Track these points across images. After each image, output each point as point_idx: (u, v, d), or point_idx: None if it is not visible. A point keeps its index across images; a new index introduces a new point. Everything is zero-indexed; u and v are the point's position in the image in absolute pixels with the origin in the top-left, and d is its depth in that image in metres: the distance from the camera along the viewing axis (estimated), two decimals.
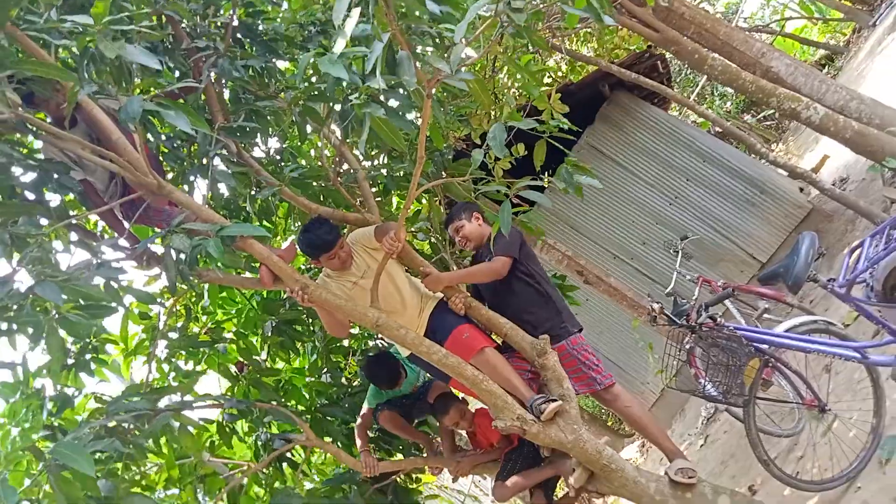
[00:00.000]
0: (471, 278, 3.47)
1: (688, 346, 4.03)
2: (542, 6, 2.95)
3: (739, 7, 18.56)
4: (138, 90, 3.15)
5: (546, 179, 2.99)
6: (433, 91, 2.32)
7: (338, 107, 2.90)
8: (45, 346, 2.61)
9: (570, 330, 3.30)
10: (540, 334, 3.19)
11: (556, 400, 2.98)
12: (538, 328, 3.24)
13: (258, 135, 3.18)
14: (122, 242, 3.33)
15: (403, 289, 3.31)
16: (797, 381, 3.35)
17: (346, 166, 3.84)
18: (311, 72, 3.03)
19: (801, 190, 7.42)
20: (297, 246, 3.26)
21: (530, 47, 7.19)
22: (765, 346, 3.17)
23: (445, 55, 2.32)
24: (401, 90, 2.64)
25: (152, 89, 3.43)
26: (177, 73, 3.27)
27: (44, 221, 2.85)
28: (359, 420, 3.84)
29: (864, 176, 7.21)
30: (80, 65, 2.25)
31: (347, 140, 3.43)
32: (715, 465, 5.24)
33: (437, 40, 3.24)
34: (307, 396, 4.47)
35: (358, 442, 3.78)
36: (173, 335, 4.05)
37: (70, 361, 3.57)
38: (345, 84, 2.50)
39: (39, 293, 2.31)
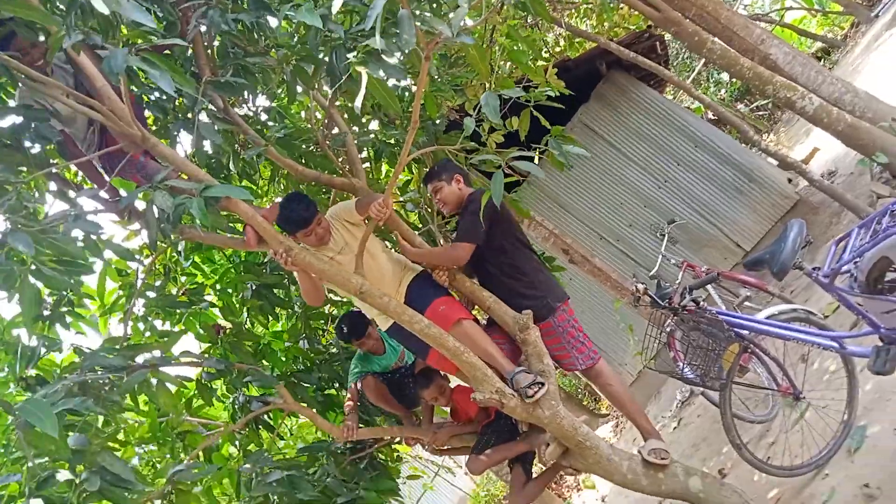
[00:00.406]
0: (430, 259, 3.32)
1: (668, 329, 4.06)
2: None
3: None
4: (122, 43, 3.03)
5: (537, 153, 2.94)
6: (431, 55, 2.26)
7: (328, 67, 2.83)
8: (18, 298, 2.55)
9: (553, 306, 3.22)
10: (530, 311, 3.15)
11: (542, 384, 2.95)
12: (520, 308, 3.17)
13: (245, 92, 3.09)
14: (103, 195, 3.25)
15: (381, 259, 3.27)
16: (774, 369, 3.39)
17: (335, 130, 3.77)
18: (302, 31, 2.94)
19: (790, 181, 7.45)
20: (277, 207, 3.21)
21: (529, 20, 7.08)
22: (745, 332, 3.19)
23: (446, 17, 2.26)
24: (397, 54, 2.58)
25: (139, 40, 3.32)
26: (164, 23, 3.16)
27: (22, 170, 2.76)
28: (352, 383, 3.82)
29: (852, 170, 7.24)
30: (68, 13, 2.15)
31: (337, 103, 3.36)
32: (686, 448, 5.32)
33: (435, 5, 3.17)
34: (284, 360, 4.45)
35: (347, 404, 3.76)
36: (151, 294, 3.99)
37: (46, 313, 3.50)
38: (335, 38, 2.43)
39: (10, 243, 2.24)
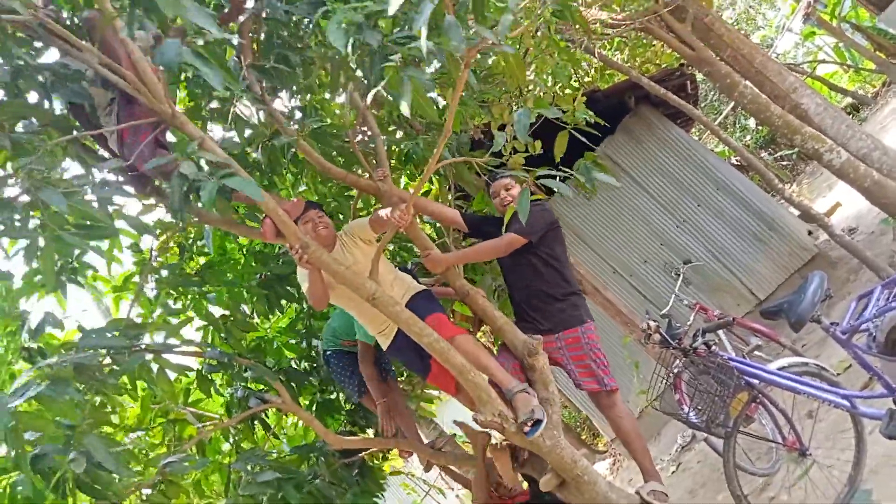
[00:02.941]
0: (473, 256, 3.43)
1: (676, 370, 4.00)
2: None
3: (774, 43, 18.47)
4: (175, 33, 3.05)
5: (565, 173, 2.93)
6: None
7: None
8: (39, 264, 2.53)
9: (583, 318, 3.27)
10: (552, 322, 3.19)
11: (541, 421, 2.89)
12: (552, 312, 3.23)
13: (284, 82, 3.09)
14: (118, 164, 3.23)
15: (385, 277, 3.25)
16: (781, 422, 3.32)
17: (365, 132, 3.77)
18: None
19: (810, 233, 7.38)
20: (302, 203, 3.21)
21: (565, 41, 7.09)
22: (755, 381, 3.13)
23: (490, 25, 2.26)
24: (432, 65, 2.57)
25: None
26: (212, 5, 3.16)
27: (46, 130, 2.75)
28: (366, 370, 3.73)
29: (874, 228, 7.18)
30: (132, 8, 2.17)
31: (370, 108, 3.36)
32: (683, 494, 5.22)
33: (480, 16, 3.16)
34: (285, 357, 4.42)
35: (376, 392, 3.72)
36: (164, 272, 3.95)
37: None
38: (376, 45, 2.42)
39: (45, 199, 2.23)
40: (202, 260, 4.24)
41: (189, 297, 3.98)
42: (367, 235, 3.22)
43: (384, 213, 3.03)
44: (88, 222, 2.50)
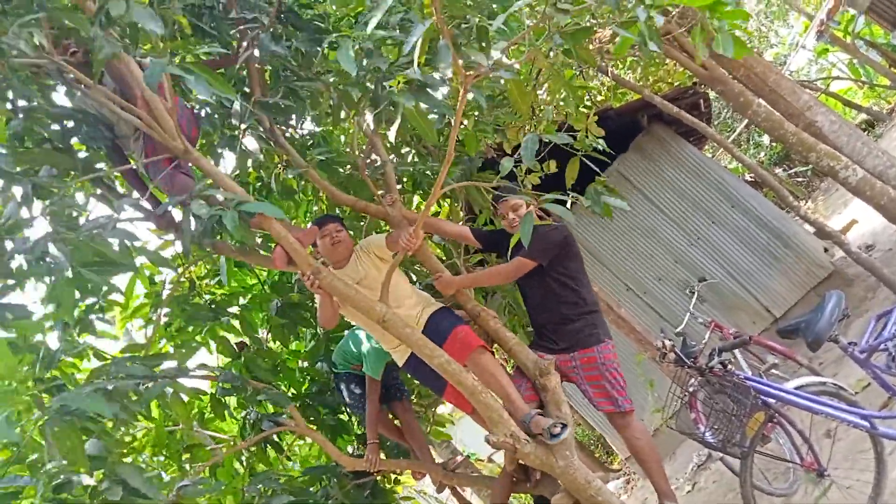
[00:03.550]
0: (483, 281, 3.45)
1: (691, 389, 3.96)
2: (595, 23, 2.91)
3: (787, 60, 18.45)
4: (168, 53, 3.12)
5: (571, 197, 2.94)
6: (469, 87, 2.28)
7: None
8: (57, 302, 2.58)
9: (601, 337, 3.24)
10: (569, 342, 3.19)
11: (565, 425, 2.90)
12: (569, 333, 3.21)
13: (293, 114, 3.16)
14: (143, 203, 3.31)
15: (404, 291, 3.28)
16: (799, 441, 3.27)
17: (374, 158, 3.81)
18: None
19: (826, 250, 7.30)
20: (315, 231, 3.25)
21: (574, 67, 7.15)
22: (772, 401, 3.10)
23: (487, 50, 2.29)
24: (441, 89, 2.62)
25: (189, 57, 3.41)
26: (218, 43, 3.24)
27: (70, 173, 2.83)
28: (369, 406, 3.71)
29: (891, 246, 7.10)
30: (95, 21, 2.21)
31: (381, 130, 3.40)
32: None
33: (483, 43, 3.21)
34: (300, 380, 4.43)
35: (369, 431, 3.70)
36: (176, 305, 4.01)
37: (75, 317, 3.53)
38: (382, 70, 2.47)
39: (51, 251, 2.30)
40: (214, 291, 4.28)
41: (199, 328, 4.01)
42: (382, 253, 3.24)
43: (409, 227, 3.05)
44: (107, 260, 2.55)
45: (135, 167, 3.26)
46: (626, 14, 2.54)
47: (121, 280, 3.94)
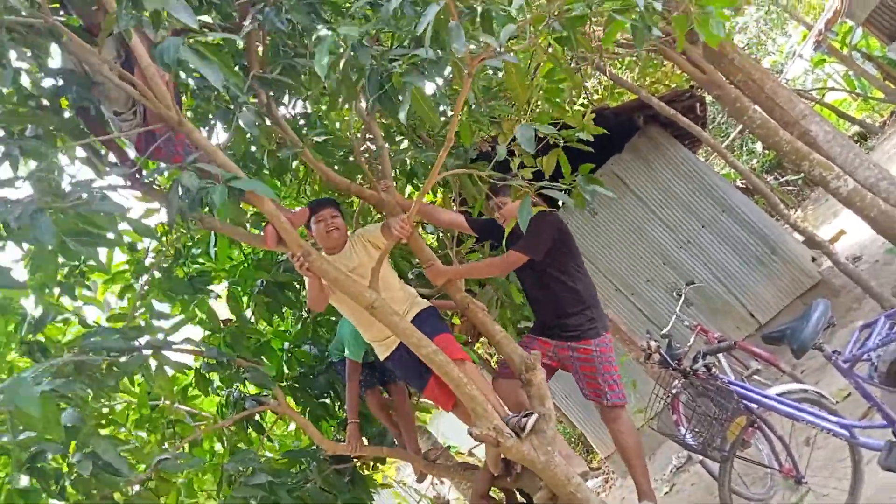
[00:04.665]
0: (475, 272, 3.44)
1: (674, 391, 3.97)
2: (590, 10, 2.88)
3: (784, 69, 18.53)
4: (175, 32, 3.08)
5: (564, 185, 2.95)
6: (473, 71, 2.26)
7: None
8: (41, 267, 2.55)
9: (599, 330, 3.27)
10: (570, 333, 3.22)
11: (531, 413, 2.92)
12: (568, 326, 3.24)
13: (290, 92, 3.12)
14: (124, 169, 3.25)
15: (392, 284, 3.25)
16: (779, 447, 3.29)
17: (368, 146, 3.78)
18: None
19: (814, 259, 7.36)
20: (306, 213, 3.21)
21: (572, 62, 7.12)
22: (754, 406, 3.12)
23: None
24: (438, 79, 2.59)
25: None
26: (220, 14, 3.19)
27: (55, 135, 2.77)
28: (349, 387, 3.71)
29: (878, 258, 7.16)
30: (119, 2, 2.18)
31: (378, 117, 3.37)
32: None
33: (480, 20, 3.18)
34: (285, 362, 4.41)
35: (349, 412, 3.70)
36: (157, 274, 3.96)
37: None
38: (368, 65, 2.44)
39: (34, 228, 2.26)
40: (200, 262, 4.23)
41: (180, 301, 3.96)
42: (376, 240, 3.22)
43: (402, 214, 3.03)
44: (93, 231, 2.51)
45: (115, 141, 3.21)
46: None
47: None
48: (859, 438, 2.91)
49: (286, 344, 4.55)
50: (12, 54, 2.44)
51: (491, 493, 3.56)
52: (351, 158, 3.84)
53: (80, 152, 3.08)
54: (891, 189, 5.69)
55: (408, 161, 4.08)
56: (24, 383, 2.20)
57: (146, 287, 3.94)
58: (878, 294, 5.57)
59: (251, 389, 3.98)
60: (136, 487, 3.06)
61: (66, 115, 2.97)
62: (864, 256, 7.65)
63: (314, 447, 3.80)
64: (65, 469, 2.41)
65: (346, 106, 3.54)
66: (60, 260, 2.86)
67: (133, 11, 2.25)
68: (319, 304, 3.22)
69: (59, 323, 3.70)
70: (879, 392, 2.68)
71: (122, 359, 2.94)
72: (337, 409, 4.40)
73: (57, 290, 3.49)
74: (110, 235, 2.76)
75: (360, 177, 3.86)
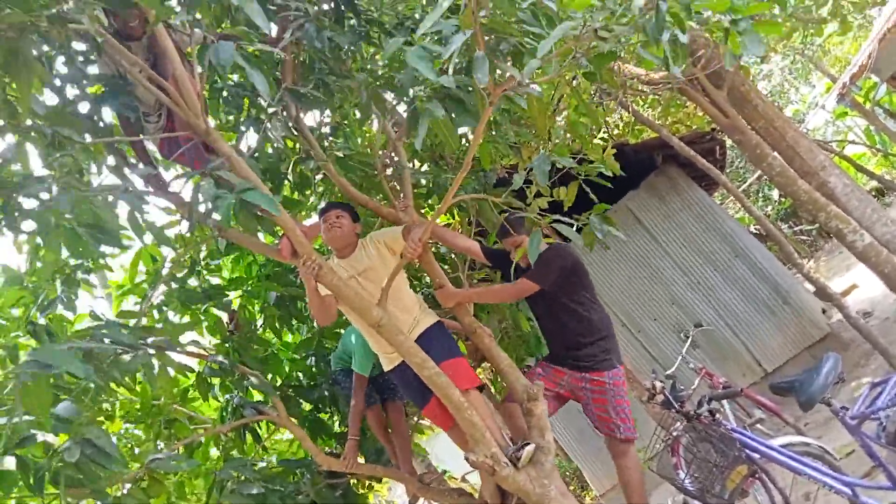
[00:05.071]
0: (485, 297, 3.45)
1: (675, 434, 3.93)
2: (620, 43, 2.91)
3: (806, 119, 18.56)
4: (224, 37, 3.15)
5: (578, 220, 2.98)
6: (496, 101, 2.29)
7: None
8: (44, 250, 2.57)
9: (613, 362, 3.27)
10: (583, 364, 3.22)
11: (528, 443, 2.91)
12: (580, 356, 3.25)
13: (320, 107, 3.16)
14: (146, 169, 3.29)
15: (403, 293, 3.24)
16: (778, 500, 3.24)
17: (389, 162, 3.81)
18: (388, 61, 3.01)
19: (824, 311, 7.30)
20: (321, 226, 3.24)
21: (595, 97, 7.18)
22: (756, 456, 3.07)
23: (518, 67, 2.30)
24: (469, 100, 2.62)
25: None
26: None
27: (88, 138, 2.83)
28: (354, 402, 3.67)
29: (889, 315, 7.10)
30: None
31: (403, 137, 3.40)
32: None
33: (510, 60, 3.23)
34: (287, 372, 4.41)
35: (351, 427, 3.67)
36: (173, 284, 3.99)
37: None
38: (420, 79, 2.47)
39: (55, 201, 2.29)
40: (212, 278, 4.26)
41: (194, 310, 3.99)
42: (395, 244, 3.20)
43: (414, 234, 3.02)
44: (104, 228, 2.54)
45: (144, 143, 3.27)
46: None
47: (126, 256, 3.94)
48: (861, 498, 2.86)
49: (291, 355, 4.56)
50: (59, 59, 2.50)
51: None
52: (371, 174, 3.87)
53: (110, 160, 3.13)
54: None
55: (423, 181, 4.10)
56: (60, 351, 2.22)
57: (161, 297, 3.97)
58: (888, 351, 5.50)
59: (253, 397, 3.98)
60: (127, 486, 3.05)
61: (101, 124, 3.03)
62: (875, 312, 7.58)
63: (309, 459, 3.78)
64: (45, 459, 2.40)
65: (375, 123, 3.59)
66: (65, 254, 2.90)
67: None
68: (323, 317, 3.22)
69: (69, 312, 3.71)
70: (885, 452, 2.64)
71: (128, 356, 2.95)
72: (337, 424, 4.38)
73: (59, 285, 3.50)
74: (128, 245, 2.80)
75: (379, 196, 3.88)
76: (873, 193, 14.83)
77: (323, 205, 3.32)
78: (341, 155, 3.21)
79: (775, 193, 17.05)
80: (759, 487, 3.30)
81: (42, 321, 3.41)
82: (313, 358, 4.34)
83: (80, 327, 3.82)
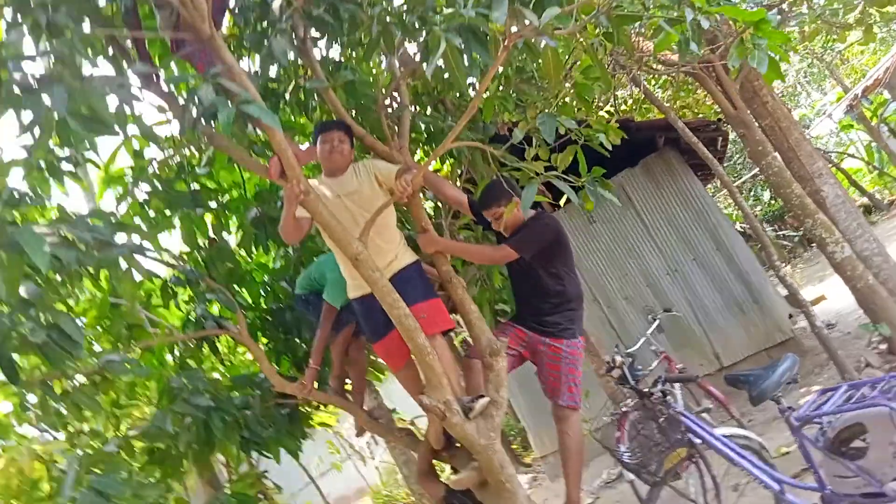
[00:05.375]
0: (465, 254, 3.45)
1: (624, 409, 4.03)
2: (644, 13, 2.86)
3: (811, 124, 18.51)
4: None
5: (574, 181, 2.98)
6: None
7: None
8: (35, 139, 2.50)
9: (575, 334, 3.33)
10: (546, 329, 3.28)
11: (483, 396, 2.97)
12: (546, 322, 3.30)
13: (329, 32, 3.06)
14: (144, 68, 3.19)
15: (388, 226, 3.21)
16: (709, 486, 3.36)
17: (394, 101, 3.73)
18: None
19: (790, 317, 7.43)
20: (313, 151, 3.19)
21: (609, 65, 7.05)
22: (698, 441, 3.17)
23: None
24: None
25: None
26: None
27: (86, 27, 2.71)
28: (320, 332, 3.64)
29: (851, 330, 7.26)
30: None
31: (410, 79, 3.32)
32: None
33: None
34: (260, 294, 4.40)
35: (314, 356, 3.65)
36: (158, 185, 3.91)
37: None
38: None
39: (46, 93, 2.21)
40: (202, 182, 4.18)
41: (175, 215, 3.91)
42: (386, 179, 3.15)
43: (407, 176, 2.99)
44: (97, 117, 2.47)
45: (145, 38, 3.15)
46: (674, 12, 2.55)
47: (107, 145, 3.85)
48: (787, 495, 2.97)
49: (266, 277, 4.55)
50: None
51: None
52: (370, 109, 3.79)
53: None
54: (883, 266, 5.75)
55: (427, 126, 4.03)
56: (35, 234, 2.20)
57: (145, 195, 3.88)
58: (842, 365, 5.64)
59: (217, 311, 3.97)
60: (80, 379, 3.07)
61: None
62: (838, 325, 7.75)
63: (263, 378, 3.81)
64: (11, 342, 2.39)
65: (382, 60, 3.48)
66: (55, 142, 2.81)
67: None
68: (291, 237, 3.19)
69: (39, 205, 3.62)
70: (820, 456, 2.73)
71: (97, 252, 2.91)
72: (300, 350, 4.41)
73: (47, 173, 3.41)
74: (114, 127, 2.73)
75: (374, 135, 3.82)
76: (861, 209, 15.00)
77: (323, 121, 3.23)
78: (343, 84, 3.13)
79: (766, 195, 17.14)
80: (693, 472, 3.41)
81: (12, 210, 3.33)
82: (288, 283, 4.33)
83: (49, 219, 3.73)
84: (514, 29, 2.39)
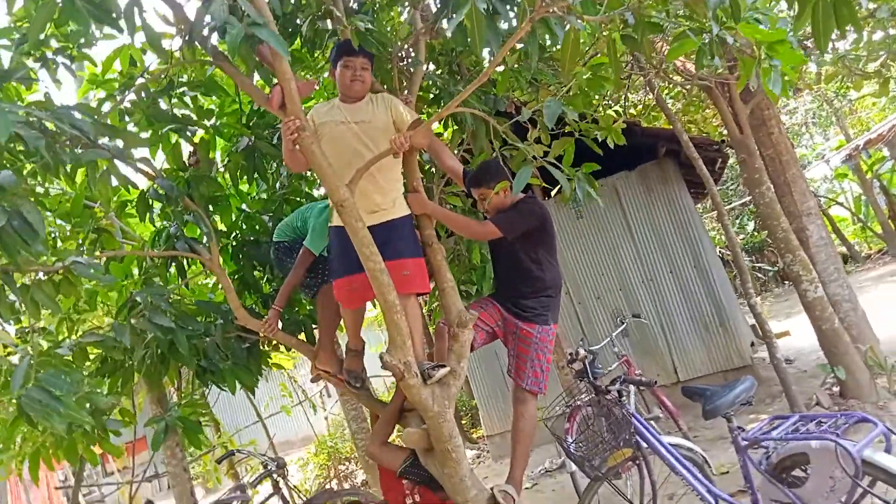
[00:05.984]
0: (451, 222, 3.39)
1: (578, 402, 4.07)
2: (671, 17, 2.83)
3: (808, 166, 18.70)
4: None
5: (567, 173, 2.97)
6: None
7: None
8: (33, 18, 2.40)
9: (548, 321, 3.32)
10: (521, 313, 3.27)
11: (444, 366, 2.97)
12: (523, 306, 3.29)
13: None
14: None
15: (392, 169, 3.15)
16: (647, 490, 3.41)
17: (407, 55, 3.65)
18: None
19: (752, 345, 7.56)
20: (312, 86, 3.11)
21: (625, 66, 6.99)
22: (644, 444, 3.21)
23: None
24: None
25: None
26: None
27: None
28: (294, 271, 3.55)
29: (807, 368, 7.41)
30: None
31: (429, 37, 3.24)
32: None
33: None
34: (239, 224, 4.32)
35: (280, 297, 3.59)
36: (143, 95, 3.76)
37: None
38: None
39: None
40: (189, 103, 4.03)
41: (154, 131, 3.77)
42: (400, 121, 3.11)
43: (410, 132, 2.92)
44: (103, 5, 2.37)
45: None
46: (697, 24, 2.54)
47: (104, 51, 3.68)
48: None
49: (244, 206, 4.46)
50: None
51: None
52: (385, 57, 3.70)
53: None
54: (851, 314, 5.85)
55: (438, 87, 3.96)
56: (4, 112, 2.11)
57: (128, 104, 3.72)
58: (794, 399, 5.75)
59: (190, 233, 3.88)
60: (42, 276, 2.98)
61: None
62: (796, 361, 7.90)
63: (227, 307, 3.75)
64: None
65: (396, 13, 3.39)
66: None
67: None
68: (295, 166, 3.16)
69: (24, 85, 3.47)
70: (759, 480, 2.78)
71: (78, 149, 2.81)
72: (265, 286, 4.36)
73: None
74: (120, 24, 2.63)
75: (384, 86, 3.74)
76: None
77: (347, 42, 3.12)
78: (363, 28, 3.04)
79: (750, 226, 17.34)
80: (634, 473, 3.47)
81: None
82: (269, 218, 4.26)
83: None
84: (546, 1, 2.34)
